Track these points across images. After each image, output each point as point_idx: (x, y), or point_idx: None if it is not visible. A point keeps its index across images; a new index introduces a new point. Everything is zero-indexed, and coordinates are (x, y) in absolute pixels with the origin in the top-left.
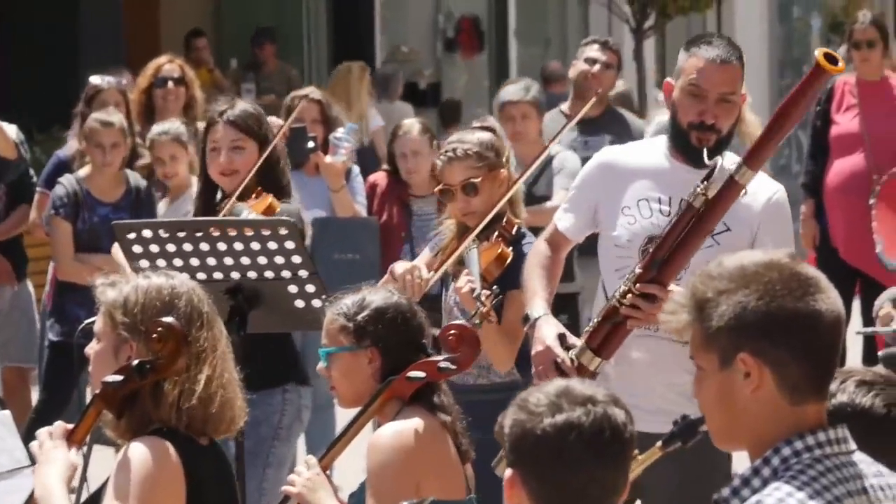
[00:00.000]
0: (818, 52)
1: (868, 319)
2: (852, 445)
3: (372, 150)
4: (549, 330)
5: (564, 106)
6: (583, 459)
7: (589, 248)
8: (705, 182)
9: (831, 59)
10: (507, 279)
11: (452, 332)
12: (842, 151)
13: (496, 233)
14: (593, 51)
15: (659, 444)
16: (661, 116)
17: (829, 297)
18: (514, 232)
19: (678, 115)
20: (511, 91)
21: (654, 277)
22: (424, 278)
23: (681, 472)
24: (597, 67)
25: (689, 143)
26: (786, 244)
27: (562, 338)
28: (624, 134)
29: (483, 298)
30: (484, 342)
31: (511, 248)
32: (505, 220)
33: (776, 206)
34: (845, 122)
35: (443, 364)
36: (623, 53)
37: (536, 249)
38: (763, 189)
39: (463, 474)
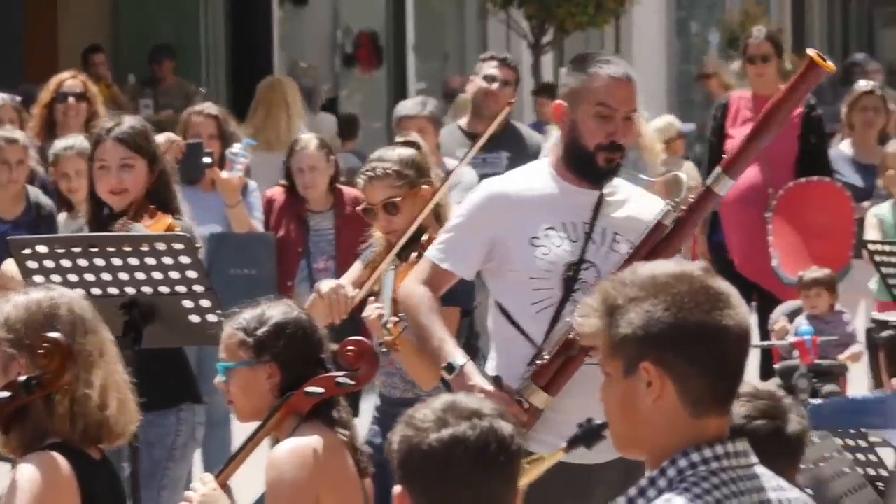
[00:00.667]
0: (811, 52)
1: (764, 333)
2: (753, 459)
3: None
4: (480, 376)
5: (462, 122)
6: (470, 473)
7: None
8: (675, 200)
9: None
10: None
11: (351, 347)
12: None
13: (416, 252)
14: (491, 68)
15: (563, 445)
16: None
17: (738, 313)
18: None
19: (583, 138)
20: (408, 106)
21: None
22: (350, 296)
23: None
24: (495, 85)
25: (595, 165)
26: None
27: (497, 381)
28: (521, 149)
29: (390, 326)
30: (403, 364)
31: None
32: (426, 238)
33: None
34: (740, 135)
35: (341, 380)
36: (521, 68)
37: (420, 294)
38: (659, 205)
39: (362, 489)
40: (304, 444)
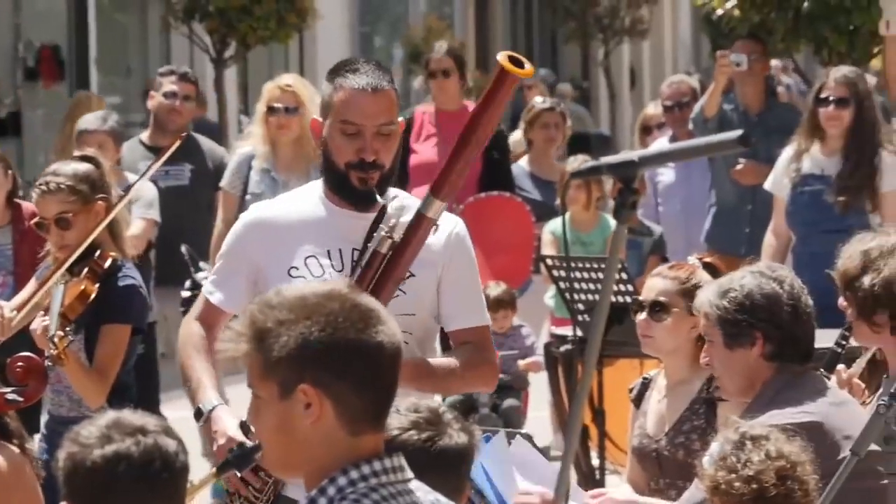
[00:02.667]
0: (501, 56)
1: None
2: (409, 474)
3: None
4: (230, 421)
5: (144, 136)
6: (134, 490)
7: (167, 276)
8: (387, 225)
9: (516, 62)
10: (99, 315)
11: (20, 363)
12: (421, 180)
13: (88, 268)
14: (171, 83)
15: (213, 469)
16: (245, 147)
17: (390, 329)
18: (106, 266)
19: (333, 156)
20: (88, 120)
21: None
22: (7, 317)
23: None
24: (176, 101)
25: (350, 186)
26: (474, 279)
27: (244, 426)
28: (203, 161)
29: (56, 340)
30: (70, 378)
31: (102, 284)
32: (98, 254)
33: (459, 241)
34: (425, 151)
35: (10, 396)
36: (205, 82)
37: (189, 331)
38: (443, 225)
39: (42, 500)
40: None
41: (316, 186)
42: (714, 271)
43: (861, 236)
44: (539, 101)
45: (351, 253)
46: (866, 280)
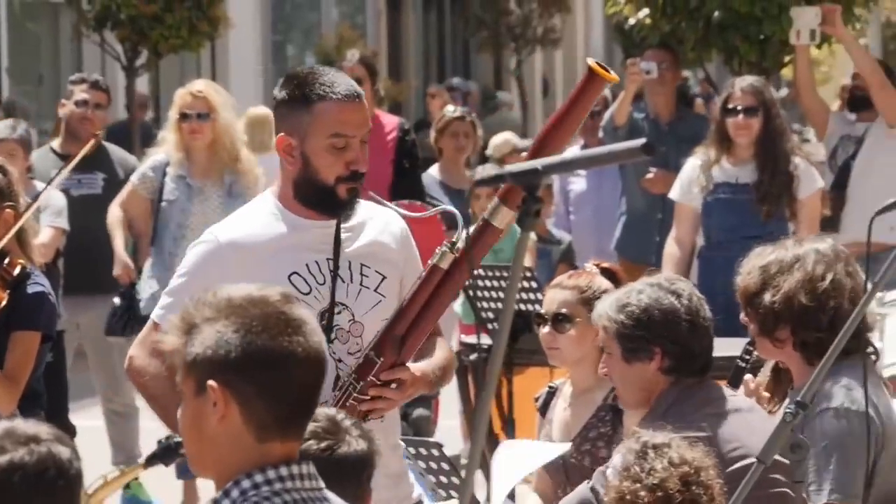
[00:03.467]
0: (590, 61)
1: None
2: (320, 483)
3: None
4: None
5: (55, 143)
6: (29, 499)
7: (79, 284)
8: (451, 241)
9: (604, 69)
10: (9, 322)
11: None
12: None
13: None
14: (82, 91)
15: (142, 461)
16: (159, 154)
17: (309, 341)
18: (15, 274)
19: (319, 173)
20: None
21: (395, 360)
22: None
23: None
24: (87, 109)
25: (334, 198)
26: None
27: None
28: (115, 172)
29: None
30: None
31: (11, 291)
32: (7, 261)
33: (407, 235)
34: None
35: None
36: (116, 90)
37: (149, 369)
38: (393, 221)
39: None
40: None
41: (265, 200)
42: (613, 277)
43: (759, 251)
44: (450, 109)
45: (326, 263)
46: (766, 297)
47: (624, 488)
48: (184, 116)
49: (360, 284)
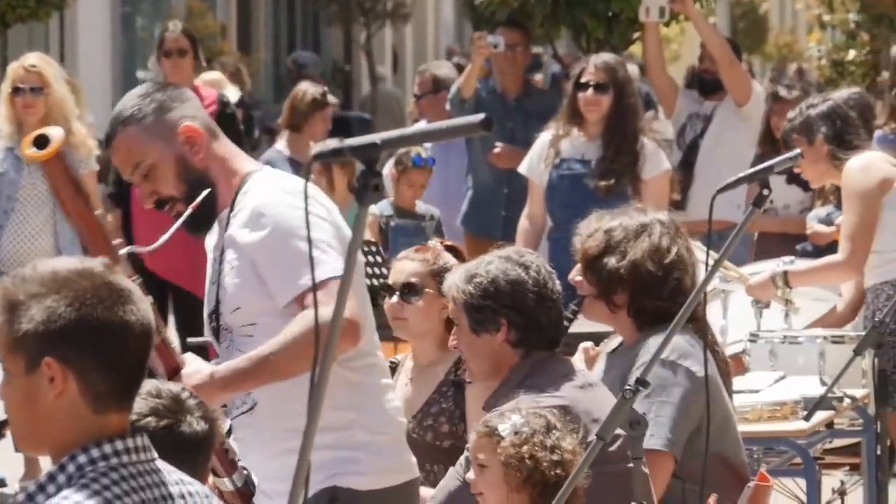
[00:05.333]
0: (25, 143)
1: (184, 330)
2: (153, 454)
3: None
4: None
5: None
6: None
7: None
8: None
9: (40, 142)
10: None
11: None
12: None
13: None
14: None
15: None
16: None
17: (140, 309)
18: None
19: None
20: None
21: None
22: None
23: None
24: None
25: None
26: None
27: None
28: None
29: None
30: None
31: None
32: None
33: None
34: None
35: None
36: None
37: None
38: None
39: None
40: None
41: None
42: (457, 254)
43: (599, 214)
44: (304, 86)
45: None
46: (611, 261)
47: (527, 451)
48: (16, 90)
49: (221, 273)
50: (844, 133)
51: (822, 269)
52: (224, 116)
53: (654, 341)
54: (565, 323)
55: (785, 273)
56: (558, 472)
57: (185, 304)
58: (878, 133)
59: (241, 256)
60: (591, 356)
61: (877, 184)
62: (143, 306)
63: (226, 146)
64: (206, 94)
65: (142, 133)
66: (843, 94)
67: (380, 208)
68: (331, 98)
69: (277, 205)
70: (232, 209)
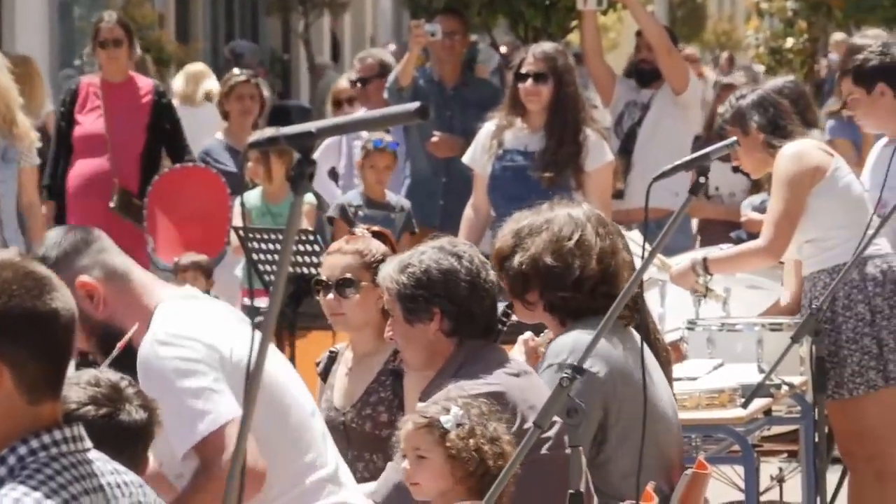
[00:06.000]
0: None
1: None
2: (88, 444)
3: None
4: None
5: None
6: None
7: None
8: None
9: None
10: None
11: None
12: (86, 153)
13: None
14: None
15: None
16: None
17: (64, 296)
18: None
19: None
20: None
21: None
22: None
23: None
24: None
25: None
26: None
27: None
28: None
29: None
30: None
31: None
32: None
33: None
34: (89, 122)
35: None
36: None
37: None
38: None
39: None
40: None
41: None
42: (385, 240)
43: (517, 215)
44: (236, 72)
45: None
46: (516, 259)
47: (473, 444)
48: None
49: None
50: (778, 119)
51: (741, 256)
52: (160, 106)
53: (561, 340)
54: (502, 319)
55: (704, 260)
56: (500, 463)
57: None
58: (830, 122)
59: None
60: (531, 346)
61: (808, 171)
62: (65, 293)
63: (130, 284)
64: (142, 84)
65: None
66: (777, 82)
67: (349, 198)
68: (255, 80)
69: (151, 360)
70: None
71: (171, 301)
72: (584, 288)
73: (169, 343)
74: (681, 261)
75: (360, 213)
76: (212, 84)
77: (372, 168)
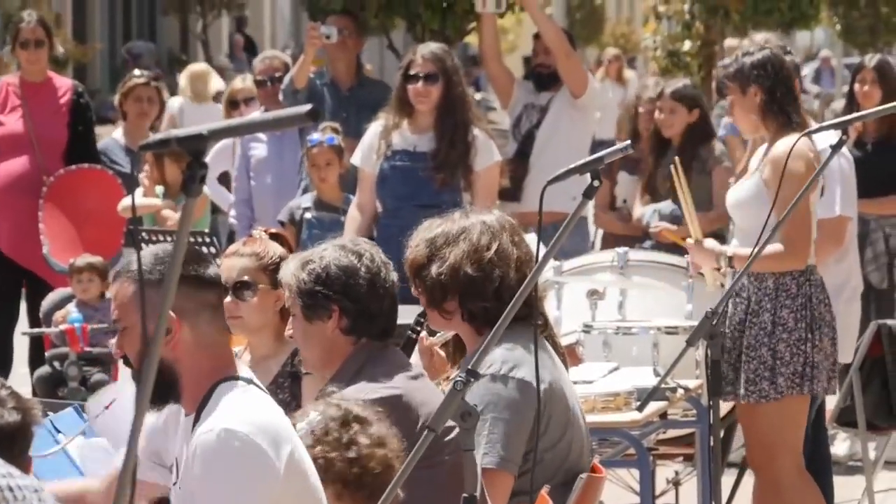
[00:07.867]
0: None
1: (35, 320)
2: None
3: None
4: None
5: None
6: None
7: None
8: None
9: None
10: None
11: None
12: (9, 153)
13: None
14: None
15: None
16: None
17: None
18: None
19: None
20: None
21: None
22: None
23: None
24: None
25: None
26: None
27: None
28: None
29: None
30: None
31: None
32: None
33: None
34: (11, 122)
35: None
36: None
37: None
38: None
39: None
40: None
41: None
42: (282, 242)
43: (427, 224)
44: (136, 73)
45: None
46: (433, 269)
47: (319, 452)
48: None
49: None
50: (778, 87)
51: (768, 259)
52: (78, 105)
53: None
54: (416, 328)
55: (730, 259)
56: (355, 470)
57: (38, 292)
58: (725, 120)
59: (187, 480)
60: (424, 346)
61: (811, 173)
62: None
63: (205, 340)
64: (61, 84)
65: (134, 296)
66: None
67: (301, 201)
68: (154, 82)
69: (218, 460)
70: (198, 418)
71: (235, 392)
72: (504, 296)
73: (242, 452)
74: (590, 262)
75: (306, 214)
76: (218, 83)
77: (314, 167)
